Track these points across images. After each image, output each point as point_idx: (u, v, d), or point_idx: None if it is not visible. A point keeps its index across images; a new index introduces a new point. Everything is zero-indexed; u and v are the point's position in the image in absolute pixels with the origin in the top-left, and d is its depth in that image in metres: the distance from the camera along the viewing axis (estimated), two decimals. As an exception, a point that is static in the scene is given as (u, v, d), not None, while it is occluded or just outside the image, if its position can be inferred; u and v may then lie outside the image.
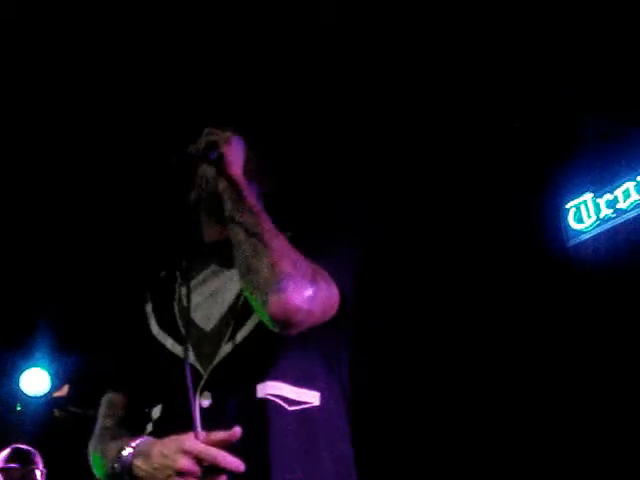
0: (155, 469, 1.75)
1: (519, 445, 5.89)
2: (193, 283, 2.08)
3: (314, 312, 1.82)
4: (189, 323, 1.99)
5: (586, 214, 6.38)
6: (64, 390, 6.72)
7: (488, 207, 6.18)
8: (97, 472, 1.99)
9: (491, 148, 6.06)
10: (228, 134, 2.01)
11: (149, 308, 2.16)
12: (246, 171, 2.02)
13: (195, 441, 1.73)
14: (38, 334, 6.53)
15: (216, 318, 2.01)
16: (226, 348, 1.93)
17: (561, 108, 5.88)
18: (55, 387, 6.65)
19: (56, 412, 6.87)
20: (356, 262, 2.08)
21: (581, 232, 6.40)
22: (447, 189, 6.14)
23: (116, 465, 1.84)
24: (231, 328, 1.96)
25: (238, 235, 1.86)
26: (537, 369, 6.09)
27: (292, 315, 1.79)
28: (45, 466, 4.96)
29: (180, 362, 1.91)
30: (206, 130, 2.05)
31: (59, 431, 6.24)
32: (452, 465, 6.13)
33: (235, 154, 1.98)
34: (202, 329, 2.01)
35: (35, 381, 6.58)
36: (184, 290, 2.06)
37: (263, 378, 1.89)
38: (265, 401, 1.87)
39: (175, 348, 1.99)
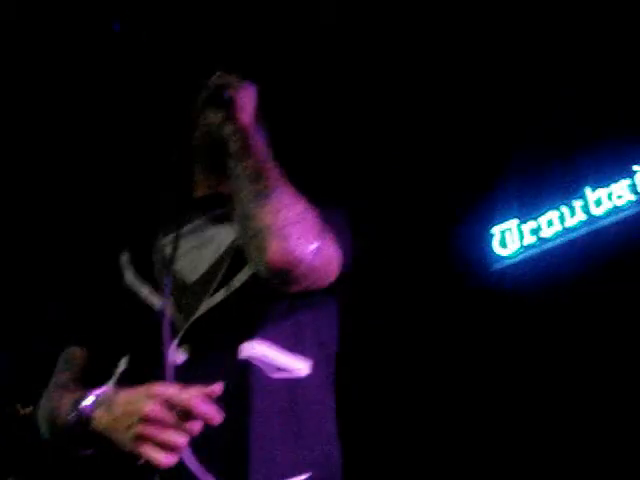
0: (116, 419, 1.54)
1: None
2: (172, 236, 1.87)
3: (316, 268, 1.67)
4: (170, 272, 1.76)
5: (510, 240, 6.50)
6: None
7: (415, 228, 6.25)
8: (45, 432, 1.78)
9: (421, 169, 6.14)
10: (240, 80, 1.89)
11: (125, 259, 1.96)
12: (256, 119, 1.88)
13: (166, 385, 1.53)
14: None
15: (201, 270, 1.84)
16: (210, 301, 1.75)
17: (494, 135, 5.98)
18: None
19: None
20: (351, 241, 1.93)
21: (505, 257, 6.52)
22: (378, 208, 6.19)
23: (71, 416, 1.63)
24: (217, 281, 1.79)
25: (241, 180, 1.71)
26: (455, 387, 6.17)
27: (293, 266, 1.62)
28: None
29: (154, 313, 1.74)
30: (218, 73, 1.92)
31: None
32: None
33: (247, 99, 1.85)
34: (184, 280, 1.83)
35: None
36: (168, 240, 1.90)
37: (248, 337, 1.70)
38: (248, 364, 1.68)
39: (150, 298, 1.80)
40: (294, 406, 1.71)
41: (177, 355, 1.67)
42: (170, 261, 1.77)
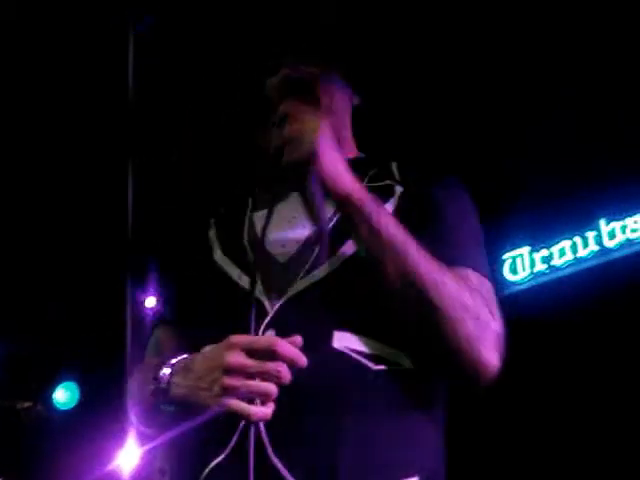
0: (198, 378, 1.42)
1: None
2: (263, 212, 1.65)
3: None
4: (261, 251, 1.63)
5: (521, 267, 6.50)
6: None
7: None
8: (136, 419, 1.65)
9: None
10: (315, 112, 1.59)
11: (212, 234, 1.81)
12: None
13: (244, 335, 1.42)
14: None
15: (294, 248, 1.65)
16: (302, 282, 1.58)
17: (509, 161, 5.98)
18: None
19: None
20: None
21: (515, 283, 6.52)
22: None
23: (150, 387, 1.50)
24: (311, 260, 1.61)
25: (390, 289, 1.48)
26: (466, 413, 6.15)
27: (490, 372, 1.53)
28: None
29: (244, 295, 1.57)
30: (282, 76, 1.68)
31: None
32: None
33: (329, 143, 1.52)
34: (276, 259, 1.65)
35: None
36: (260, 214, 1.72)
37: (343, 326, 1.53)
38: (342, 354, 1.51)
39: (242, 279, 1.64)
40: (394, 403, 1.53)
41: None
42: (262, 238, 1.60)
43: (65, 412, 6.50)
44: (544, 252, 6.37)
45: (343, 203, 1.50)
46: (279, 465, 1.42)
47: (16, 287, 6.30)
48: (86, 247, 6.09)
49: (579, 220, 6.23)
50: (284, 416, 1.39)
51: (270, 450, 1.43)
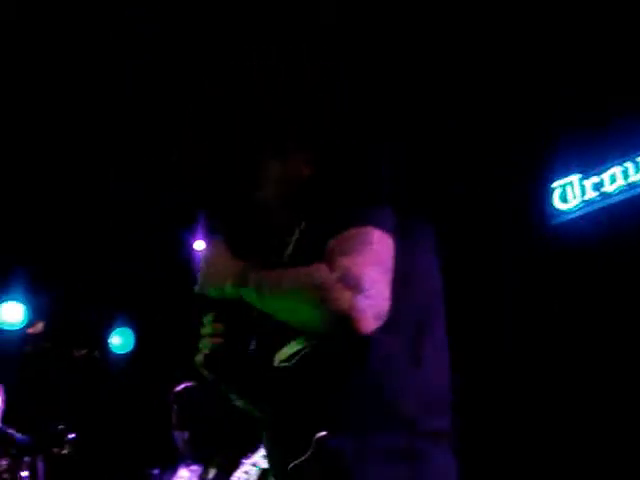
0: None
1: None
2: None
3: (378, 295, 1.72)
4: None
5: (572, 195, 6.40)
6: (38, 327, 6.69)
7: (476, 181, 6.19)
8: None
9: (484, 123, 6.06)
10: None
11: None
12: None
13: None
14: (15, 267, 6.51)
15: None
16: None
17: (558, 88, 5.87)
18: (29, 323, 6.63)
19: (28, 348, 6.83)
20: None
21: (565, 212, 6.43)
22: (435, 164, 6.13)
23: None
24: None
25: (271, 306, 1.87)
26: (516, 344, 6.15)
27: (363, 320, 1.69)
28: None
29: None
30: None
31: (30, 367, 6.21)
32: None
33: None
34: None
35: (10, 314, 6.55)
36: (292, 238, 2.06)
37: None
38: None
39: None
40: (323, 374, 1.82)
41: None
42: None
43: (121, 357, 6.60)
44: (595, 179, 6.27)
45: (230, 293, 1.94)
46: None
47: (72, 235, 6.37)
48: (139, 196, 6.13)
49: (630, 145, 6.10)
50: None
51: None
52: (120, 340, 6.59)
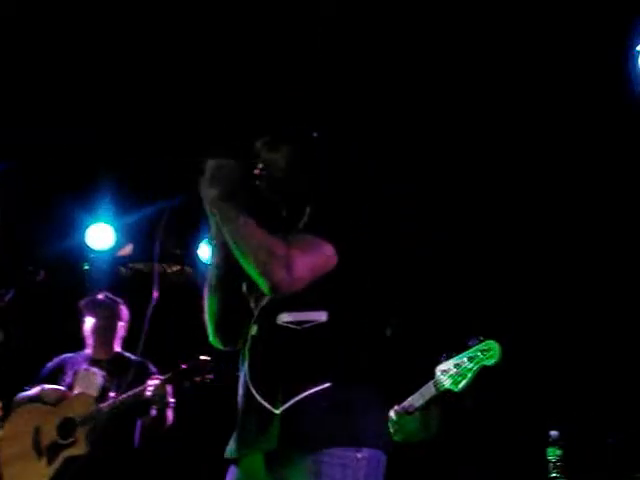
0: None
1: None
2: None
3: (298, 278, 2.37)
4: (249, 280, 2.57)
5: (659, 58, 5.96)
6: (128, 249, 6.83)
7: (562, 51, 5.84)
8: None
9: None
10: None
11: None
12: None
13: None
14: (102, 190, 6.56)
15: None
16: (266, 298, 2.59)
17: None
18: (119, 245, 6.75)
19: (121, 270, 7.03)
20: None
21: (653, 77, 6.01)
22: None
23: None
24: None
25: (228, 244, 2.46)
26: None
27: (280, 289, 2.37)
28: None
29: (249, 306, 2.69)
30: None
31: (124, 288, 6.41)
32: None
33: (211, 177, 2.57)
34: None
35: (100, 236, 6.67)
36: None
37: (281, 311, 2.52)
38: (279, 326, 2.51)
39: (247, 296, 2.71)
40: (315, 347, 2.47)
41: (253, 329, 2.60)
42: None
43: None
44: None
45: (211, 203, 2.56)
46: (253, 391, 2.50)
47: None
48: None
49: None
50: (256, 364, 2.53)
51: (250, 384, 2.52)
52: (208, 250, 6.63)
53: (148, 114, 6.06)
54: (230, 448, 2.55)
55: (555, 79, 5.82)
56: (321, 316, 2.49)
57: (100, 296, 5.40)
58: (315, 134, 2.78)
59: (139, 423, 5.13)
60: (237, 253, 2.42)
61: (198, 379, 4.94)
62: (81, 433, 4.92)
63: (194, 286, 6.62)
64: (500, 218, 6.44)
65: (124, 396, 4.92)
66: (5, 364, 4.90)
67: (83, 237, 6.67)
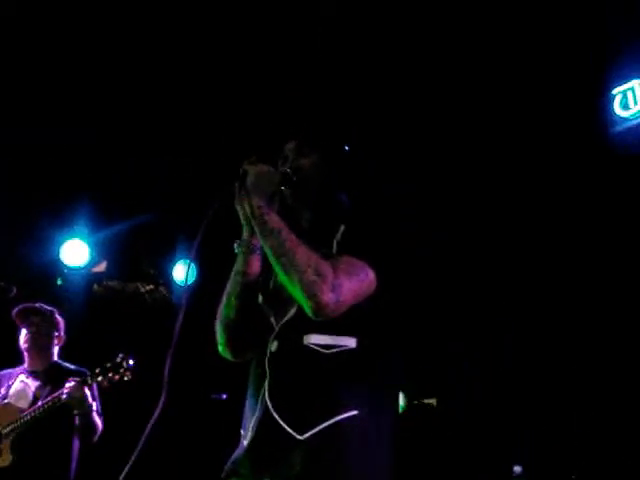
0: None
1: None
2: None
3: (343, 302, 2.33)
4: (270, 292, 2.60)
5: (632, 101, 6.12)
6: (102, 266, 6.85)
7: (535, 90, 5.97)
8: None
9: (541, 34, 5.75)
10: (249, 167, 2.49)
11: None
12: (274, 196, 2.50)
13: None
14: (78, 206, 6.57)
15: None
16: (292, 311, 2.48)
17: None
18: (94, 261, 6.77)
19: (95, 287, 7.04)
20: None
21: (626, 119, 6.17)
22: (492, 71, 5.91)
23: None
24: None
25: (270, 256, 2.39)
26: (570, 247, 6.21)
27: (324, 311, 2.30)
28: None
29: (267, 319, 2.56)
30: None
31: (97, 305, 6.43)
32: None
33: (254, 185, 2.44)
34: (279, 293, 2.54)
35: (75, 253, 6.69)
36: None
37: (308, 332, 2.42)
38: (306, 347, 2.41)
39: (265, 308, 2.61)
40: (342, 372, 2.41)
41: (274, 344, 2.48)
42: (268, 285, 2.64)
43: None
44: (656, 84, 5.95)
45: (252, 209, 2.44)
46: (274, 412, 2.37)
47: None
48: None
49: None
50: (278, 384, 2.41)
51: (269, 403, 2.39)
52: (183, 272, 6.67)
53: (128, 127, 6.09)
54: (232, 468, 2.46)
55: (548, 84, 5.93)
56: (351, 342, 2.43)
57: (35, 305, 5.21)
58: (347, 147, 2.69)
59: (75, 444, 5.04)
60: (279, 268, 2.35)
61: (116, 377, 4.85)
62: (5, 444, 4.85)
63: (168, 305, 6.72)
64: (500, 218, 6.54)
65: (44, 402, 4.81)
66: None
67: (58, 253, 6.65)
